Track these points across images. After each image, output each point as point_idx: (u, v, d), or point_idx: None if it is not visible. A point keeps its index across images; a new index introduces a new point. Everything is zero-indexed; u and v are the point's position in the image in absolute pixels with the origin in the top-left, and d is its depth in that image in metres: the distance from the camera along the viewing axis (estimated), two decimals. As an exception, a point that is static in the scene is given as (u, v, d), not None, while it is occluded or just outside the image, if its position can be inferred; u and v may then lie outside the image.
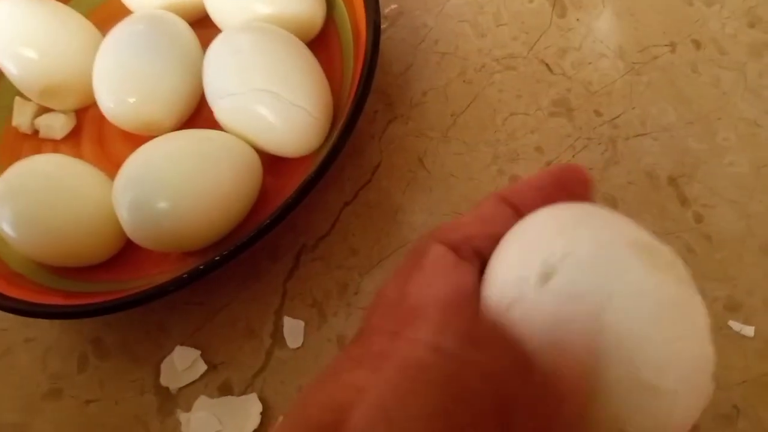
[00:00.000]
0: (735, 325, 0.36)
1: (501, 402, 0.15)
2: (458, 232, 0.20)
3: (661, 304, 0.17)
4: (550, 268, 0.17)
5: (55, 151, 0.46)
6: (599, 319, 0.17)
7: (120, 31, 0.43)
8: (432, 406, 0.14)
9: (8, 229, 0.39)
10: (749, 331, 0.36)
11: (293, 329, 0.39)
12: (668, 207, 0.39)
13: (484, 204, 0.21)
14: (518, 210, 0.21)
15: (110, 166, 0.42)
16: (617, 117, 0.42)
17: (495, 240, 0.20)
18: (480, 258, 0.20)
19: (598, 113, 0.43)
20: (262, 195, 0.40)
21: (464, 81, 0.45)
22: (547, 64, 0.45)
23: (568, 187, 0.22)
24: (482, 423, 0.14)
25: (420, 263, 0.20)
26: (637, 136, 0.42)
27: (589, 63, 0.45)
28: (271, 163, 0.41)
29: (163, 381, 0.38)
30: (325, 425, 0.16)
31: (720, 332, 0.36)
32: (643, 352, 0.17)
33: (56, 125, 0.46)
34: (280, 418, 0.18)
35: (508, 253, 0.19)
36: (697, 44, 0.45)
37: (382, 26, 0.43)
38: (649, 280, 0.17)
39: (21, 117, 0.46)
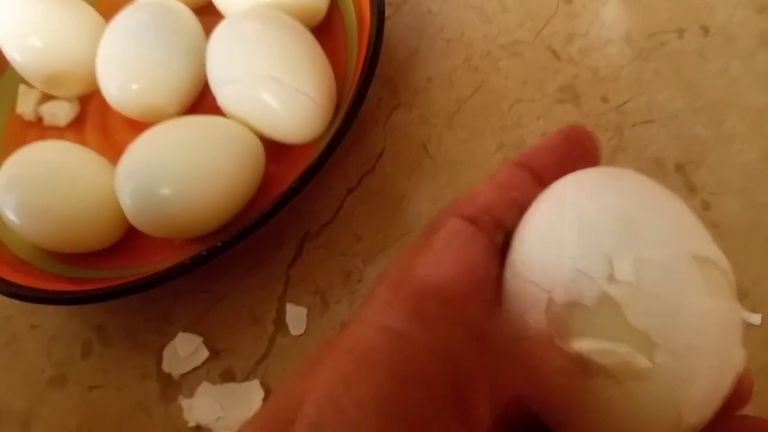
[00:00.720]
0: (743, 314, 0.35)
1: (457, 378, 0.14)
2: (475, 203, 0.19)
3: (714, 338, 0.16)
4: (617, 272, 0.16)
5: (59, 138, 0.45)
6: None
7: (123, 18, 0.43)
8: (381, 389, 0.13)
9: (12, 216, 0.39)
10: (756, 319, 0.35)
11: (296, 316, 0.39)
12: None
13: (499, 171, 0.20)
14: (536, 173, 0.20)
15: (114, 152, 0.42)
16: (624, 104, 0.42)
17: (516, 206, 0.19)
18: (502, 228, 0.19)
19: (604, 100, 0.42)
20: (265, 182, 0.40)
21: (469, 67, 0.45)
22: (553, 51, 0.45)
23: (580, 144, 0.20)
24: (437, 401, 0.14)
25: (431, 241, 0.18)
26: (645, 123, 0.41)
27: (596, 49, 0.44)
28: (274, 149, 0.41)
29: (166, 367, 0.38)
30: (282, 419, 0.15)
31: (726, 320, 0.35)
32: (687, 391, 0.16)
33: (60, 112, 0.46)
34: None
35: (554, 236, 0.17)
36: (706, 31, 0.44)
37: (387, 12, 0.42)
38: (708, 311, 0.16)
39: (25, 104, 0.46)
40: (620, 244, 0.16)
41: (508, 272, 0.18)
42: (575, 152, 0.20)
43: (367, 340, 0.14)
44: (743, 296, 0.36)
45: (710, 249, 0.17)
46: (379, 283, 0.18)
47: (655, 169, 0.40)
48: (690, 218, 0.18)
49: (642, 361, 0.16)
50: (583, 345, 0.16)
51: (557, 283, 0.16)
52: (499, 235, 0.19)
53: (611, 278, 0.16)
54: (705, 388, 0.16)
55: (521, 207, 0.19)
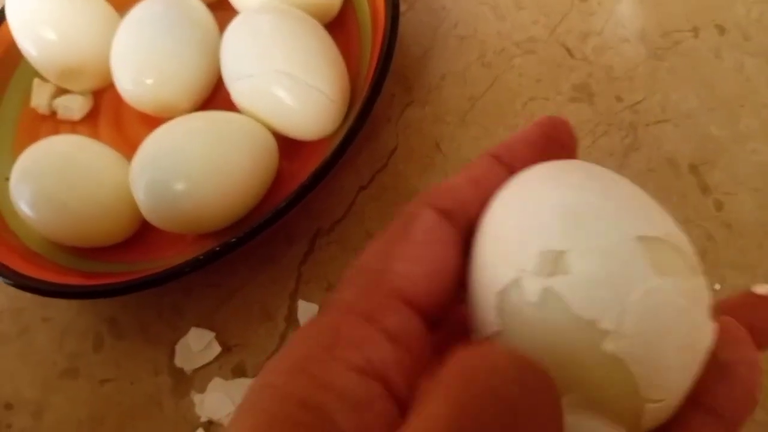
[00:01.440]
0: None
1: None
2: (452, 197, 0.19)
3: (670, 316, 0.16)
4: (552, 266, 0.16)
5: (73, 132, 0.46)
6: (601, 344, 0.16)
7: (138, 12, 0.43)
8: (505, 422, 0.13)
9: (26, 209, 0.39)
10: (769, 320, 0.35)
11: (308, 313, 0.39)
12: (689, 195, 0.39)
13: (476, 164, 0.20)
14: (512, 169, 0.20)
15: (127, 147, 0.42)
16: (638, 103, 0.42)
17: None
18: (471, 225, 0.19)
19: (619, 99, 0.42)
20: (278, 178, 0.40)
21: (483, 65, 0.45)
22: (567, 49, 0.44)
23: (558, 139, 0.20)
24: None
25: (408, 232, 0.18)
26: (659, 122, 0.41)
27: (611, 48, 0.44)
28: (288, 145, 0.41)
29: (178, 362, 0.39)
30: (281, 419, 0.15)
31: (739, 322, 0.35)
32: (647, 372, 0.16)
33: (74, 106, 0.46)
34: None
35: (500, 230, 0.18)
36: (721, 29, 0.44)
37: (401, 8, 0.42)
38: (657, 290, 0.16)
39: (39, 98, 0.47)
40: (561, 238, 0.16)
41: (468, 276, 0.19)
42: (553, 147, 0.20)
43: (491, 361, 0.14)
44: (756, 297, 0.36)
45: (661, 228, 0.17)
46: (358, 273, 0.18)
47: (669, 168, 0.40)
48: (639, 201, 0.18)
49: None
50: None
51: (503, 284, 0.17)
52: (469, 233, 0.19)
53: (553, 272, 0.16)
54: (667, 368, 0.16)
55: None
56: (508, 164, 0.20)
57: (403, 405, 0.16)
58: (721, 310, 0.17)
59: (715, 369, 0.17)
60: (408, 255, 0.18)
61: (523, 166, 0.19)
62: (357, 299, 0.18)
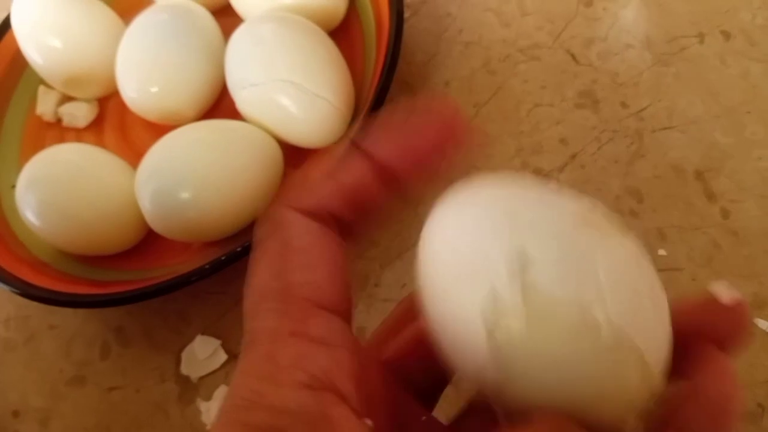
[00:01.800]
0: (761, 323, 0.35)
1: None
2: (311, 196, 0.19)
3: (636, 276, 0.17)
4: (519, 265, 0.17)
5: (78, 139, 0.46)
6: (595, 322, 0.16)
7: (143, 20, 0.44)
8: None
9: (32, 217, 0.39)
10: (776, 329, 0.35)
11: (313, 320, 0.39)
12: (695, 202, 0.39)
13: (336, 155, 0.20)
14: (373, 158, 0.19)
15: (132, 155, 0.42)
16: (644, 109, 0.42)
17: (349, 198, 0.19)
18: (336, 220, 0.19)
19: (624, 105, 0.42)
20: (283, 186, 0.40)
21: (488, 71, 0.45)
22: (572, 55, 0.44)
23: (439, 128, 0.20)
24: None
25: (288, 241, 0.18)
26: (664, 129, 0.41)
27: (616, 54, 0.44)
28: (293, 153, 0.41)
29: (184, 370, 0.39)
30: (261, 427, 0.15)
31: (746, 330, 0.35)
32: (644, 338, 0.17)
33: (79, 114, 0.46)
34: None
35: (457, 251, 0.18)
36: (726, 35, 0.44)
37: (405, 15, 0.42)
38: (615, 248, 0.17)
39: (45, 106, 0.47)
40: (512, 241, 0.17)
41: (433, 324, 0.19)
42: (432, 137, 0.20)
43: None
44: (762, 305, 0.36)
45: (586, 203, 0.18)
46: (262, 297, 0.18)
47: (675, 175, 0.40)
48: (556, 192, 0.19)
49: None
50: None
51: (481, 300, 0.17)
52: (336, 226, 0.19)
53: (522, 269, 0.17)
54: (648, 321, 0.17)
55: (357, 203, 0.19)
56: (369, 153, 0.20)
57: (354, 405, 0.17)
58: (680, 311, 0.18)
59: (692, 392, 0.17)
60: (299, 264, 0.18)
61: (386, 154, 0.19)
62: (277, 322, 0.18)
